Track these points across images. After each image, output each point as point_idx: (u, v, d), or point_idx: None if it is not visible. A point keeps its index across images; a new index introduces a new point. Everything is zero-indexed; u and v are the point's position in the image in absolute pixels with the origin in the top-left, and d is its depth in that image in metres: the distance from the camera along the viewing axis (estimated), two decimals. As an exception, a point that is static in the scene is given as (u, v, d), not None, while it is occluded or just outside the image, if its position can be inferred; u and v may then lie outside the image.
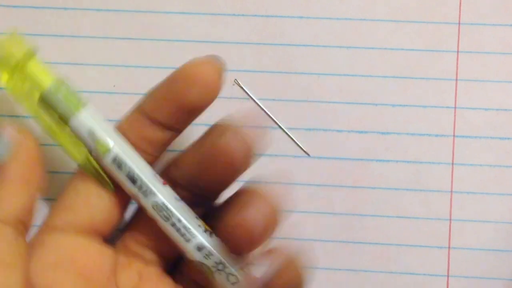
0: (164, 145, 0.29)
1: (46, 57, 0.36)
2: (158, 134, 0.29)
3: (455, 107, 0.35)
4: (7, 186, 0.26)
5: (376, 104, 0.35)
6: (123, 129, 0.29)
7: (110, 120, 0.36)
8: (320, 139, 0.36)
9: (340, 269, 0.35)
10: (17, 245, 0.26)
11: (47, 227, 0.29)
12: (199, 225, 0.29)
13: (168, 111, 0.28)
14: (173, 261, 0.31)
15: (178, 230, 0.28)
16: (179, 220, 0.28)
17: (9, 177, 0.26)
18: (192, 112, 0.28)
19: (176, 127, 0.29)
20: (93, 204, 0.29)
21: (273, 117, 0.36)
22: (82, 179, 0.29)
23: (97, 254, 0.29)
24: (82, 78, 0.36)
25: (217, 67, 0.28)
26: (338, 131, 0.36)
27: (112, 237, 0.31)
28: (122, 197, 0.29)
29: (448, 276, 0.35)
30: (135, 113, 0.29)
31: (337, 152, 0.35)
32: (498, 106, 0.35)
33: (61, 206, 0.29)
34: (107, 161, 0.28)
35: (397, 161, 0.35)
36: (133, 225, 0.31)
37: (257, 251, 0.28)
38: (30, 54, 0.29)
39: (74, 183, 0.29)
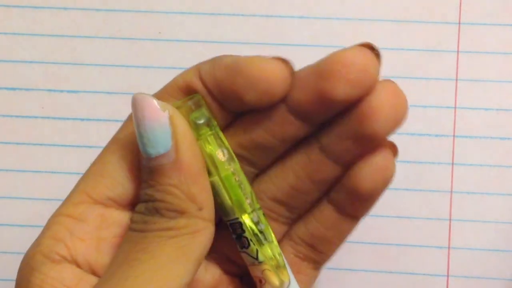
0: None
1: (46, 57, 0.36)
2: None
3: (455, 107, 0.35)
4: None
5: (376, 104, 0.35)
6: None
7: (110, 120, 0.36)
8: (320, 139, 0.35)
9: (340, 269, 0.35)
10: None
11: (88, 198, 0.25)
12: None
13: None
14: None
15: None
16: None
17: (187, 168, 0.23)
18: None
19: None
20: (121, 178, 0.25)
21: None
22: (117, 152, 0.25)
23: None
24: (82, 78, 0.36)
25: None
26: (338, 131, 0.35)
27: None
28: None
29: (448, 276, 0.35)
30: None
31: (337, 152, 0.35)
32: (498, 106, 0.35)
33: (98, 179, 0.25)
34: None
35: (397, 161, 0.35)
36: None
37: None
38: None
39: (108, 157, 0.25)
